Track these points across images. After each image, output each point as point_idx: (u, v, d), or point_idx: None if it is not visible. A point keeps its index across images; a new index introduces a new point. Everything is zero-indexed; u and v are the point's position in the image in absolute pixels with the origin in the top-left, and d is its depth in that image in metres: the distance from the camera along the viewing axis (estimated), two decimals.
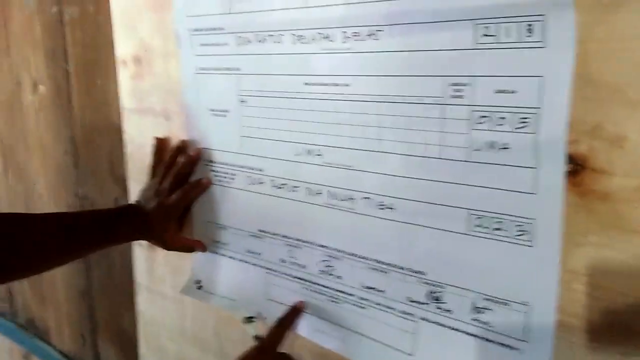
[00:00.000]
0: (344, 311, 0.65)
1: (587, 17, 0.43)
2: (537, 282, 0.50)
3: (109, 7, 0.83)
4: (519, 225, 0.50)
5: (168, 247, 0.77)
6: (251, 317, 0.71)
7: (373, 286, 0.62)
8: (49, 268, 0.75)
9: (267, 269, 0.72)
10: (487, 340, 0.54)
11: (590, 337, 0.48)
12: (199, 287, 0.80)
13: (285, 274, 0.70)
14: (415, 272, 0.58)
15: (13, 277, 0.72)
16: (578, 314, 0.48)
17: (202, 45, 0.71)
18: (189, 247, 0.78)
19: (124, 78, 0.84)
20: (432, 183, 0.54)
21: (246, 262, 0.74)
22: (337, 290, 0.65)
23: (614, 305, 0.46)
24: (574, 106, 0.45)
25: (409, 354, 0.59)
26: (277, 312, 0.69)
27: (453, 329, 0.56)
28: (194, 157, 0.75)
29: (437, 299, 0.57)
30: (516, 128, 0.48)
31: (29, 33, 1.04)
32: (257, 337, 0.69)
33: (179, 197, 0.75)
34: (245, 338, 0.72)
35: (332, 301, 0.66)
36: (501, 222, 0.51)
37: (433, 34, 0.51)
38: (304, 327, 0.69)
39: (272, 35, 0.63)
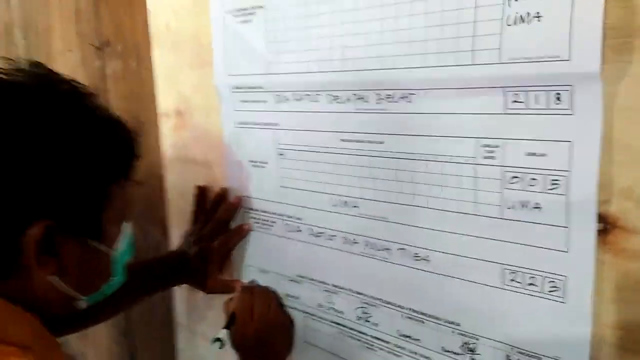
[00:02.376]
0: (378, 358, 0.66)
1: (613, 87, 0.45)
2: (570, 338, 0.50)
3: (151, 63, 0.87)
4: (552, 282, 0.51)
5: (209, 290, 0.80)
6: (219, 339, 0.69)
7: (409, 334, 0.63)
8: (108, 319, 0.79)
9: (305, 312, 0.74)
10: None
11: None
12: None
13: (323, 319, 0.72)
14: (450, 322, 0.59)
15: (75, 330, 0.76)
16: None
17: (242, 101, 0.74)
18: (230, 288, 0.80)
19: (166, 129, 0.87)
20: (467, 237, 0.56)
21: (282, 305, 0.76)
22: (374, 337, 0.67)
23: None
24: (604, 168, 0.46)
25: None
26: (314, 356, 0.71)
27: None
28: (235, 205, 0.78)
29: (471, 350, 0.58)
30: (548, 189, 0.50)
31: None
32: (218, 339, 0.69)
33: (221, 243, 0.78)
34: None
35: (368, 347, 0.67)
36: (534, 277, 0.52)
37: (465, 99, 0.53)
38: None
39: (309, 95, 0.66)
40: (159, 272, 0.79)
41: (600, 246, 0.48)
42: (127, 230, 0.61)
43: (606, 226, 0.47)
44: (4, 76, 0.51)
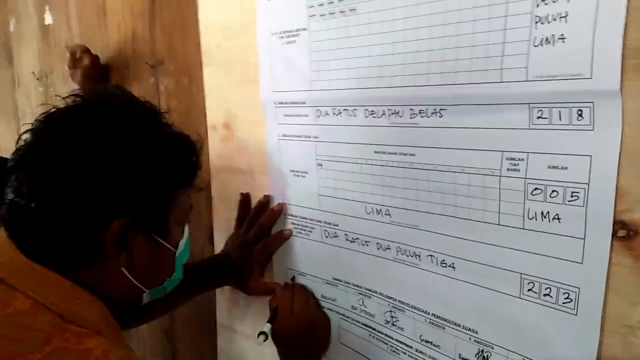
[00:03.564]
0: None
1: (632, 103, 0.47)
2: (579, 350, 0.52)
3: (201, 80, 0.93)
4: (565, 293, 0.53)
5: (251, 292, 0.84)
6: (264, 332, 0.75)
7: (430, 340, 0.66)
8: (158, 317, 0.85)
9: (341, 315, 0.77)
10: None
11: None
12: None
13: (355, 321, 0.75)
14: (469, 329, 0.61)
15: (130, 328, 0.82)
16: None
17: (285, 115, 0.78)
18: (270, 290, 0.84)
19: (214, 141, 0.92)
20: (490, 247, 0.58)
21: (319, 304, 0.80)
22: (399, 342, 0.69)
23: None
24: (626, 178, 0.48)
25: None
26: (347, 356, 0.74)
27: None
28: (277, 211, 0.82)
29: (485, 359, 0.60)
30: (567, 201, 0.52)
31: None
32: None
33: (263, 247, 0.82)
34: None
35: (393, 352, 0.70)
36: (550, 288, 0.54)
37: (492, 114, 0.56)
38: None
39: (347, 110, 0.70)
40: (204, 274, 0.84)
41: (623, 252, 0.50)
42: (186, 232, 0.67)
43: (629, 233, 0.49)
44: (92, 97, 0.61)
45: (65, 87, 1.36)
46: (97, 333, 0.53)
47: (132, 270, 0.59)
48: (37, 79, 1.50)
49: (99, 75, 1.17)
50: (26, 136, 0.57)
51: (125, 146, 0.56)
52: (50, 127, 0.57)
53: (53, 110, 0.58)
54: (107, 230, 0.55)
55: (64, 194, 0.53)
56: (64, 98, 0.60)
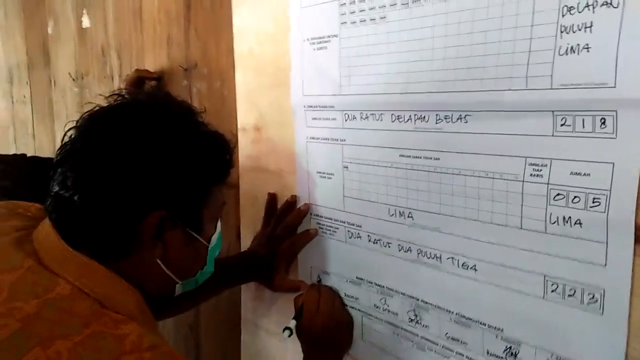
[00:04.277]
0: (428, 358, 0.70)
1: None
2: (606, 348, 0.53)
3: (233, 83, 0.95)
4: (590, 294, 0.54)
5: (276, 288, 0.86)
6: (289, 328, 0.77)
7: (457, 337, 0.67)
8: (188, 309, 0.88)
9: (364, 312, 0.79)
10: None
11: None
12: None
13: (379, 319, 0.76)
14: (495, 327, 0.62)
15: (162, 318, 0.84)
16: None
17: (314, 119, 0.80)
18: (295, 287, 0.86)
19: (244, 142, 0.95)
20: (512, 249, 0.59)
21: (345, 305, 0.81)
22: (424, 339, 0.70)
23: None
24: None
25: None
26: (371, 353, 0.76)
27: None
28: (304, 211, 0.84)
29: (514, 355, 0.61)
30: (589, 207, 0.53)
31: None
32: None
33: (289, 245, 0.84)
34: None
35: (419, 348, 0.71)
36: (574, 290, 0.55)
37: (517, 121, 0.57)
38: None
39: (374, 114, 0.72)
40: (232, 270, 0.86)
41: None
42: (219, 227, 0.69)
43: None
44: (133, 96, 0.64)
45: (99, 88, 1.40)
46: (132, 319, 0.55)
47: (166, 262, 0.62)
48: (73, 79, 1.54)
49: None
50: (71, 133, 0.60)
51: (163, 143, 0.58)
52: (94, 124, 0.60)
53: (97, 108, 0.61)
54: (144, 222, 0.57)
55: (105, 186, 0.56)
56: (106, 97, 0.63)
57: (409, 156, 0.69)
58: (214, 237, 0.68)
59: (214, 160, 0.64)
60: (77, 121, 0.60)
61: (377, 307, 0.76)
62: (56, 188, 0.58)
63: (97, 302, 0.55)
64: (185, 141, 0.60)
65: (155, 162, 0.57)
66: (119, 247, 0.59)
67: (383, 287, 0.75)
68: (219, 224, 0.70)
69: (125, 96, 0.63)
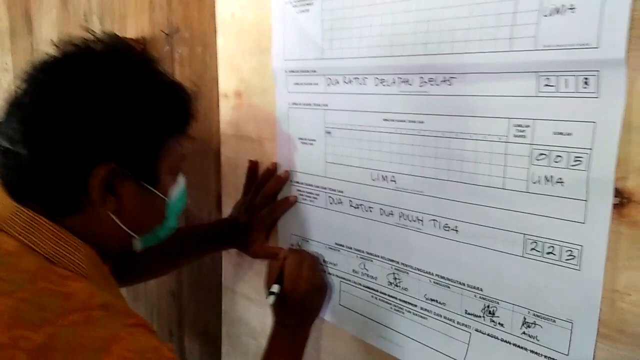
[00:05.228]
0: (406, 320, 0.70)
1: (635, 73, 0.48)
2: (582, 302, 0.53)
3: (215, 49, 0.93)
4: (569, 251, 0.54)
5: (255, 255, 0.85)
6: (273, 292, 0.75)
7: (435, 298, 0.67)
8: (164, 273, 0.86)
9: (341, 278, 0.78)
10: (534, 352, 0.57)
11: (632, 350, 0.51)
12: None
13: (357, 284, 0.76)
14: (474, 287, 0.62)
15: (134, 282, 0.82)
16: (621, 329, 0.51)
17: (296, 84, 0.78)
18: (273, 254, 0.85)
19: (225, 109, 0.93)
20: (494, 210, 0.59)
21: (323, 271, 0.81)
22: (403, 301, 0.70)
23: None
24: (622, 148, 0.49)
25: None
26: (347, 317, 0.75)
27: (504, 340, 0.60)
28: (283, 178, 0.83)
29: (491, 313, 0.61)
30: (571, 165, 0.53)
31: None
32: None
33: (268, 212, 0.83)
34: (320, 335, 0.78)
35: (397, 310, 0.71)
36: (553, 247, 0.55)
37: (501, 82, 0.56)
38: (368, 333, 0.74)
39: (357, 78, 0.70)
40: (210, 235, 0.85)
41: (616, 218, 0.50)
42: (181, 181, 0.68)
43: (622, 200, 0.50)
44: (84, 45, 0.60)
45: None
46: (82, 276, 0.54)
47: (120, 216, 0.60)
48: (56, 46, 1.50)
49: None
50: (21, 84, 0.57)
51: (112, 92, 0.56)
52: (43, 74, 0.57)
53: (46, 58, 0.58)
54: (92, 175, 0.55)
55: (52, 138, 0.54)
56: (56, 45, 0.60)
57: (393, 120, 0.68)
58: (174, 191, 0.66)
59: (168, 110, 0.61)
60: (26, 72, 0.58)
61: (356, 272, 0.76)
62: (3, 143, 0.55)
63: (45, 259, 0.53)
64: (136, 90, 0.58)
65: (103, 111, 0.55)
66: (68, 202, 0.57)
67: (363, 251, 0.75)
68: (181, 178, 0.68)
69: (77, 44, 0.60)
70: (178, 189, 0.67)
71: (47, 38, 1.52)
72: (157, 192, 0.62)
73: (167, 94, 0.61)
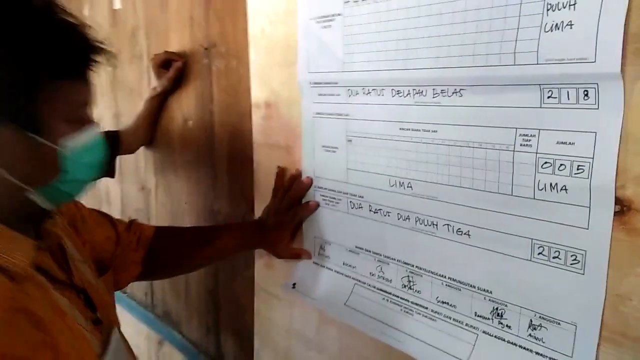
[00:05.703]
0: (414, 321, 0.73)
1: (633, 85, 0.49)
2: (586, 306, 0.55)
3: (248, 62, 0.98)
4: (573, 256, 0.55)
5: (280, 255, 0.90)
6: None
7: (447, 301, 0.69)
8: (196, 267, 0.91)
9: (357, 280, 0.81)
10: (539, 354, 0.59)
11: (635, 354, 0.52)
12: (293, 287, 0.90)
13: (371, 286, 0.79)
14: (484, 290, 0.64)
15: (167, 276, 0.87)
16: (624, 333, 0.53)
17: (320, 95, 0.82)
18: (297, 255, 0.89)
19: (257, 118, 0.97)
20: (503, 215, 0.61)
21: (340, 272, 0.84)
22: (414, 303, 0.73)
23: None
24: (622, 157, 0.51)
25: None
26: (352, 317, 0.79)
27: (510, 342, 0.62)
28: (306, 184, 0.87)
29: (500, 315, 0.63)
30: (574, 173, 0.54)
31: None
32: None
33: (292, 215, 0.87)
34: (342, 332, 0.82)
35: (407, 312, 0.74)
36: (558, 252, 0.57)
37: (507, 94, 0.59)
38: (377, 331, 0.76)
39: (375, 89, 0.74)
40: (240, 234, 0.90)
41: (617, 226, 0.52)
42: (89, 131, 0.61)
43: (622, 208, 0.52)
44: None
45: (130, 66, 1.45)
46: None
47: (10, 168, 0.55)
48: (107, 60, 1.59)
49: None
50: None
51: None
52: None
53: None
54: None
55: None
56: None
57: (409, 129, 0.70)
58: (75, 141, 0.59)
59: (51, 51, 0.55)
60: None
61: (373, 274, 0.79)
62: None
63: None
64: (11, 27, 0.52)
65: None
66: None
67: (380, 255, 0.78)
68: (92, 127, 0.62)
69: None
70: (83, 138, 0.60)
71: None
72: (45, 141, 0.56)
73: (55, 33, 0.55)
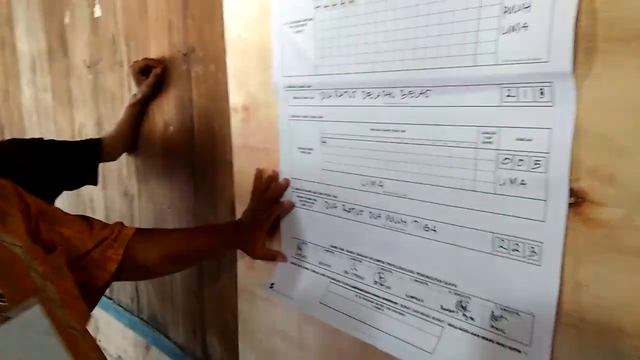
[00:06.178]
0: (384, 317, 0.75)
1: (583, 83, 0.52)
2: (542, 296, 0.57)
3: (225, 67, 1.00)
4: (531, 248, 0.58)
5: (256, 255, 0.92)
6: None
7: (415, 295, 0.71)
8: (177, 269, 0.92)
9: (332, 278, 0.83)
10: (500, 344, 0.62)
11: (591, 338, 0.55)
12: (271, 287, 0.91)
13: (345, 283, 0.81)
14: (449, 283, 0.67)
15: (148, 276, 0.88)
16: (582, 318, 0.55)
17: (294, 98, 0.84)
18: (271, 256, 0.91)
19: (235, 122, 0.99)
20: (467, 211, 0.63)
21: (315, 272, 0.86)
22: (384, 299, 0.75)
23: (610, 311, 0.53)
24: (577, 151, 0.54)
25: (430, 353, 0.68)
26: (327, 315, 0.81)
27: (473, 334, 0.64)
28: (282, 185, 0.89)
29: (463, 308, 0.65)
30: (532, 168, 0.57)
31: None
32: None
33: (267, 215, 0.89)
34: (323, 330, 0.83)
35: (377, 308, 0.76)
36: (517, 244, 0.59)
37: (470, 94, 0.61)
38: (351, 328, 0.78)
39: (347, 92, 0.76)
40: (217, 236, 0.92)
41: (573, 217, 0.55)
42: None
43: (578, 200, 0.54)
44: None
45: (111, 74, 1.46)
46: None
47: None
48: (88, 67, 1.60)
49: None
50: None
51: None
52: None
53: None
54: None
55: None
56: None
57: (379, 130, 0.73)
58: None
59: None
60: None
61: (347, 272, 0.81)
62: None
63: None
64: None
65: None
66: None
67: (354, 253, 0.80)
68: None
69: None
70: None
71: (80, 59, 1.62)
72: None
73: None
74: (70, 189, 1.25)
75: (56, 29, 1.75)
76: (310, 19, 0.78)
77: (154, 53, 1.26)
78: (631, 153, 0.50)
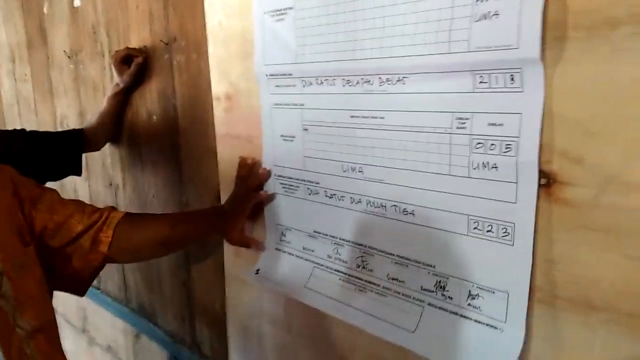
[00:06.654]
0: (367, 299, 0.77)
1: (552, 69, 0.54)
2: (515, 274, 0.60)
3: (207, 56, 1.01)
4: (504, 228, 0.60)
5: (232, 241, 0.94)
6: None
7: (396, 277, 0.74)
8: (164, 252, 0.95)
9: (316, 263, 0.86)
10: (477, 321, 0.64)
11: (563, 313, 0.58)
12: (257, 272, 0.94)
13: (328, 268, 0.84)
14: (428, 265, 0.69)
15: (137, 259, 0.90)
16: (554, 294, 0.58)
17: (276, 86, 0.86)
18: (247, 243, 0.94)
19: (218, 110, 1.01)
20: (443, 194, 0.66)
21: (300, 257, 0.88)
22: (367, 282, 0.78)
23: (579, 286, 0.56)
24: (548, 135, 0.56)
25: (412, 332, 0.70)
26: (311, 298, 0.83)
27: (452, 312, 0.67)
28: (262, 174, 0.91)
29: (442, 288, 0.68)
30: (503, 152, 0.59)
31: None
32: None
33: (246, 201, 0.92)
34: (310, 314, 0.86)
35: (360, 290, 0.78)
36: (491, 226, 0.62)
37: (444, 81, 0.63)
38: (335, 309, 0.80)
39: (327, 80, 0.77)
40: (199, 221, 0.94)
41: (545, 197, 0.57)
42: None
43: (549, 181, 0.57)
44: None
45: (92, 64, 1.46)
46: None
47: None
48: (68, 57, 1.60)
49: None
50: None
51: None
52: None
53: None
54: None
55: None
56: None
57: (359, 116, 0.75)
58: None
59: None
60: None
61: (330, 257, 0.83)
62: None
63: None
64: None
65: None
66: None
67: (336, 237, 0.82)
68: None
69: None
70: None
71: (60, 49, 1.62)
72: None
73: None
74: (54, 179, 1.26)
75: (35, 19, 1.74)
76: (291, 8, 0.79)
77: (135, 42, 1.26)
78: (599, 136, 0.53)
